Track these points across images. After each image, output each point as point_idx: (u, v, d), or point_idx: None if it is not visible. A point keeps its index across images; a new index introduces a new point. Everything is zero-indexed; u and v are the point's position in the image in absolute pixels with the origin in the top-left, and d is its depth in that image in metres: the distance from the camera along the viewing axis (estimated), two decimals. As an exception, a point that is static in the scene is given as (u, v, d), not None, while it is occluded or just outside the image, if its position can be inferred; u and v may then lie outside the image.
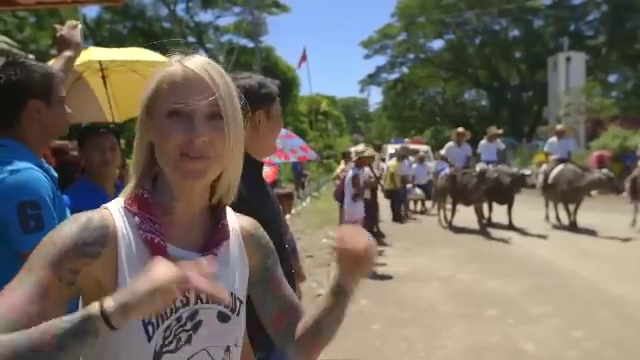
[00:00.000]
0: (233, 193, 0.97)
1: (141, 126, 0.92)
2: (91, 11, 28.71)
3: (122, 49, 3.82)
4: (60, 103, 1.58)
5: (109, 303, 0.72)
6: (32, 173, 1.43)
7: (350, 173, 7.15)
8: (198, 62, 0.88)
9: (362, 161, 7.09)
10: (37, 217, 1.40)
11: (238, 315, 0.97)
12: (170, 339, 0.86)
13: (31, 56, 2.30)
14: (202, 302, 0.90)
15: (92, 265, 0.82)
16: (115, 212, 0.89)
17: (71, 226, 0.83)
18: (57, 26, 1.99)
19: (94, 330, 0.71)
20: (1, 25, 16.89)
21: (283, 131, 1.83)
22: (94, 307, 0.72)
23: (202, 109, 0.86)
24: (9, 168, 1.41)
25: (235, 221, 1.03)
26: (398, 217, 11.74)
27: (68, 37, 1.92)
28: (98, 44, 22.52)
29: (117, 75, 3.75)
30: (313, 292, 5.74)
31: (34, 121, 1.52)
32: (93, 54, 3.49)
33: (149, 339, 0.84)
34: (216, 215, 0.98)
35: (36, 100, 1.51)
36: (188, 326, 0.88)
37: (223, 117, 0.87)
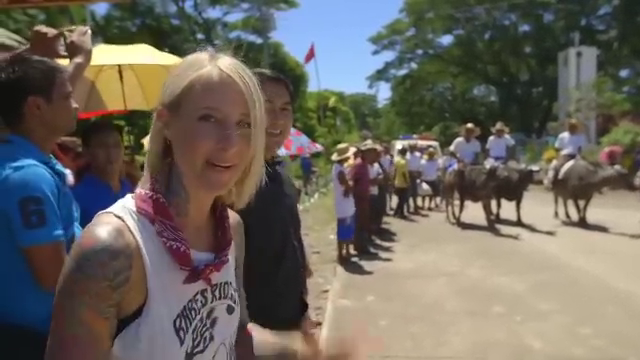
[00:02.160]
0: (248, 198, 0.96)
1: (158, 120, 0.88)
2: (100, 8, 28.89)
3: (134, 47, 3.87)
4: (64, 99, 1.58)
5: None
6: (35, 169, 1.45)
7: (335, 170, 7.21)
8: (232, 65, 0.86)
9: (343, 160, 7.17)
10: (39, 213, 1.42)
11: (238, 305, 1.01)
12: (198, 340, 0.88)
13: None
14: (216, 299, 0.93)
15: (125, 291, 0.81)
16: (130, 221, 0.84)
17: (96, 258, 0.78)
18: (67, 33, 1.96)
19: None
20: (12, 23, 17.06)
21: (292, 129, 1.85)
22: None
23: (235, 117, 0.85)
24: (13, 164, 1.44)
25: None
26: (401, 214, 11.75)
27: (78, 43, 1.90)
28: (107, 41, 22.66)
29: (140, 67, 3.88)
30: (319, 288, 5.76)
31: (35, 117, 1.54)
32: (109, 57, 3.55)
33: (181, 343, 0.85)
34: (218, 213, 0.98)
35: (35, 97, 1.52)
36: (208, 324, 0.90)
37: (251, 125, 0.86)
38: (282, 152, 8.13)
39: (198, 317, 0.88)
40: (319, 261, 7.16)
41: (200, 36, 33.61)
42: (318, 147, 5.09)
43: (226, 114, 0.84)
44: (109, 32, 27.07)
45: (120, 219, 0.83)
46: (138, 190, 0.89)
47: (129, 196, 0.90)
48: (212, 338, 0.91)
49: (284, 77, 1.68)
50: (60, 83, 1.57)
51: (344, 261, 7.06)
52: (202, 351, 0.89)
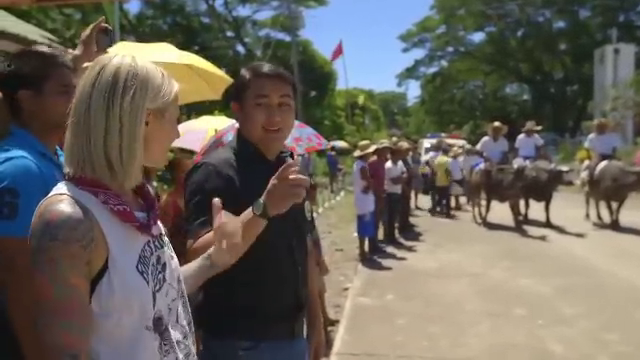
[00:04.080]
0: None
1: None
2: (133, 6, 29.46)
3: (157, 45, 3.87)
4: (59, 93, 1.56)
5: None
6: (22, 162, 1.44)
7: (356, 167, 7.21)
8: None
9: (366, 156, 7.15)
10: (11, 205, 1.40)
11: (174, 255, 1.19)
12: (155, 281, 1.06)
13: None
14: (159, 248, 1.11)
15: (92, 249, 0.97)
16: (76, 195, 0.98)
17: (66, 225, 0.94)
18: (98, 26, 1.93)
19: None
20: (50, 23, 17.57)
21: (295, 121, 1.81)
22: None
23: None
24: (3, 155, 1.45)
25: None
26: (441, 212, 11.70)
27: (82, 37, 1.88)
28: (140, 39, 23.12)
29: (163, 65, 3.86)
30: (340, 285, 5.75)
31: (26, 111, 1.55)
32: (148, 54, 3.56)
33: (147, 283, 1.03)
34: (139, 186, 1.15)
35: (24, 90, 1.53)
36: (159, 268, 1.08)
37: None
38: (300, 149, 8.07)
39: (151, 262, 1.06)
40: (342, 259, 7.15)
41: (230, 34, 33.93)
42: (321, 141, 4.77)
43: None
44: (141, 30, 27.63)
45: (66, 195, 0.98)
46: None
47: (62, 183, 1.03)
48: (165, 279, 1.09)
49: (284, 72, 1.61)
50: (57, 77, 1.56)
51: (365, 258, 7.03)
52: (159, 290, 1.06)
